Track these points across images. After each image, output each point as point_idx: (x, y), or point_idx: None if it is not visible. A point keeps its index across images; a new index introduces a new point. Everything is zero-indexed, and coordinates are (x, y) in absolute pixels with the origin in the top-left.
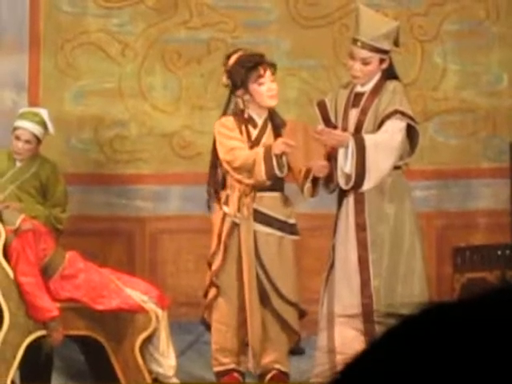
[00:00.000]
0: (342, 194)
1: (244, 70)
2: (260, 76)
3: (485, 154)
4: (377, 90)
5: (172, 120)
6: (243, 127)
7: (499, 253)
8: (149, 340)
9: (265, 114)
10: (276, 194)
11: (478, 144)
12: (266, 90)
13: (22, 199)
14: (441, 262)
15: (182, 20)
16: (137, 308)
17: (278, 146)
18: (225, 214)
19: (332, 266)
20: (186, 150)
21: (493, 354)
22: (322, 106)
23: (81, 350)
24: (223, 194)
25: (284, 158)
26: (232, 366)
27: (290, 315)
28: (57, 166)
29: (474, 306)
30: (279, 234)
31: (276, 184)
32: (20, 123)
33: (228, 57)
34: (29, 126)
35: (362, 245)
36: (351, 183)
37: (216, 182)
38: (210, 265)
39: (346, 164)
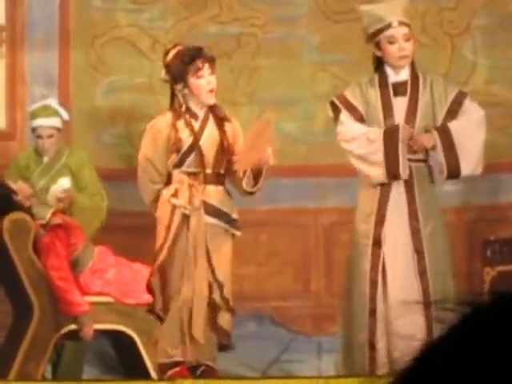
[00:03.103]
0: (386, 185)
1: (183, 64)
2: (199, 69)
3: None
4: (416, 78)
5: None
6: (183, 120)
7: None
8: None
9: (205, 107)
10: (221, 188)
11: (507, 138)
12: (205, 83)
13: None
14: (471, 256)
15: (212, 14)
16: None
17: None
18: (174, 207)
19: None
20: None
21: None
22: (341, 98)
23: (111, 344)
24: (169, 189)
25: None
26: (178, 358)
27: (222, 312)
28: (85, 155)
29: None
30: (225, 226)
31: (220, 178)
32: (37, 123)
33: (167, 52)
34: (46, 122)
35: (416, 234)
36: (445, 173)
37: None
38: (155, 258)
39: (437, 155)
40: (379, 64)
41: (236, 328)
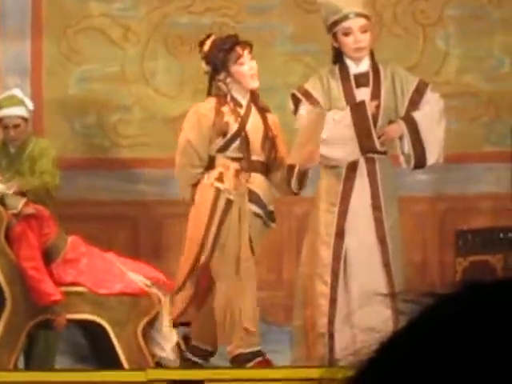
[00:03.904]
0: (350, 177)
1: (222, 53)
2: (239, 56)
3: (487, 138)
4: (376, 69)
5: (175, 104)
6: (228, 107)
7: (501, 236)
8: (151, 324)
9: (247, 96)
10: (263, 177)
11: (480, 128)
12: (248, 69)
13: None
14: (443, 246)
15: (185, 4)
16: (139, 292)
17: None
18: (218, 192)
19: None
20: None
21: None
22: (302, 90)
23: (84, 334)
24: (213, 173)
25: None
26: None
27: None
28: (48, 144)
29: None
30: (263, 217)
31: (264, 167)
32: (2, 113)
33: (201, 43)
34: (12, 112)
35: (379, 225)
36: (412, 163)
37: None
38: (202, 245)
39: (404, 145)
40: (339, 55)
41: None
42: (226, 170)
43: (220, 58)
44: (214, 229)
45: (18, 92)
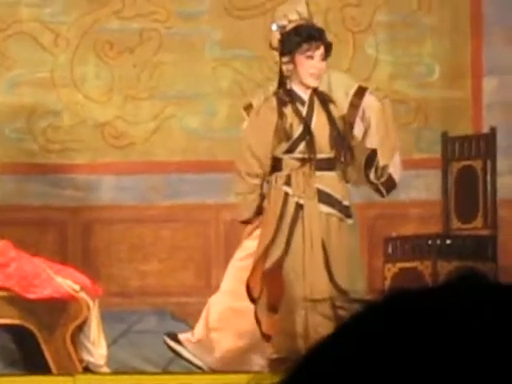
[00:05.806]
0: None
1: (297, 38)
2: (309, 49)
3: (416, 145)
4: None
5: (104, 110)
6: (290, 106)
7: (430, 242)
8: (80, 329)
9: (309, 90)
10: (333, 174)
11: (409, 135)
12: (310, 65)
13: None
14: (372, 252)
15: (115, 10)
16: (68, 297)
17: None
18: (287, 196)
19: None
20: (119, 139)
21: (458, 342)
22: (249, 108)
23: (12, 338)
24: (281, 176)
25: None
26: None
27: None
28: None
29: (443, 294)
30: (339, 215)
31: (332, 163)
32: None
33: (290, 21)
34: None
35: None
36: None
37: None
38: (265, 254)
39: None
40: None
41: (137, 323)
42: (294, 173)
43: (293, 40)
44: (284, 234)
45: None
